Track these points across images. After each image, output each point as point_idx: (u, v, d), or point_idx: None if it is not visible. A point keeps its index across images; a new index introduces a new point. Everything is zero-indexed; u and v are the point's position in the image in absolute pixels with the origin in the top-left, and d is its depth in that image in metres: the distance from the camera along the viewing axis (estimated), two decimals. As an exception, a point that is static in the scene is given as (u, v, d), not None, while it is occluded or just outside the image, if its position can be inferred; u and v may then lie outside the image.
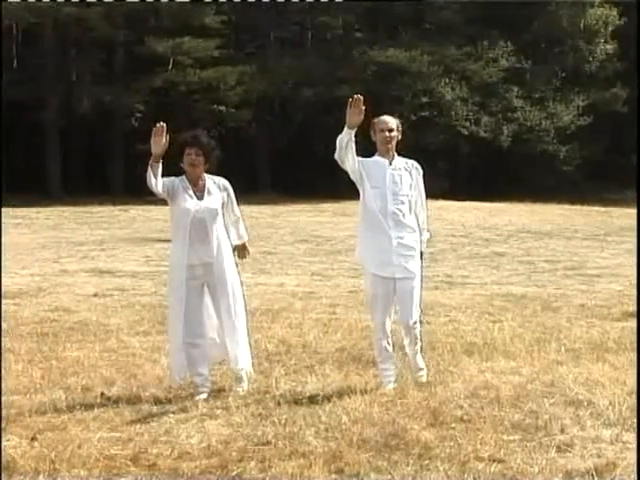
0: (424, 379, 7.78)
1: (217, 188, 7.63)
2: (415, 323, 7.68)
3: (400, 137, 7.78)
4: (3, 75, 44.17)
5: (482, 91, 44.47)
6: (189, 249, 7.48)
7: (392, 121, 7.73)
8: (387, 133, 7.65)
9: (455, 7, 44.62)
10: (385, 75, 43.34)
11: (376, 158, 7.75)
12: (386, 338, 7.72)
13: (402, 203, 7.61)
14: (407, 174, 7.69)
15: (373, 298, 7.77)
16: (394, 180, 7.63)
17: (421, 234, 7.79)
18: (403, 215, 7.61)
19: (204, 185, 7.58)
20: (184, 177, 7.58)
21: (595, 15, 45.73)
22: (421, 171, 7.82)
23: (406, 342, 7.80)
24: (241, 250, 8.01)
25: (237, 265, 7.81)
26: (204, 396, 7.40)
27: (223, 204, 7.65)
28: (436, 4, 44.73)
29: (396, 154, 7.75)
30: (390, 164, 7.67)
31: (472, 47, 44.46)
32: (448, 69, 43.66)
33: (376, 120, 7.74)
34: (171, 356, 7.81)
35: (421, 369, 7.88)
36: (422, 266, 7.84)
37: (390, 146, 7.69)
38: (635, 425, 6.33)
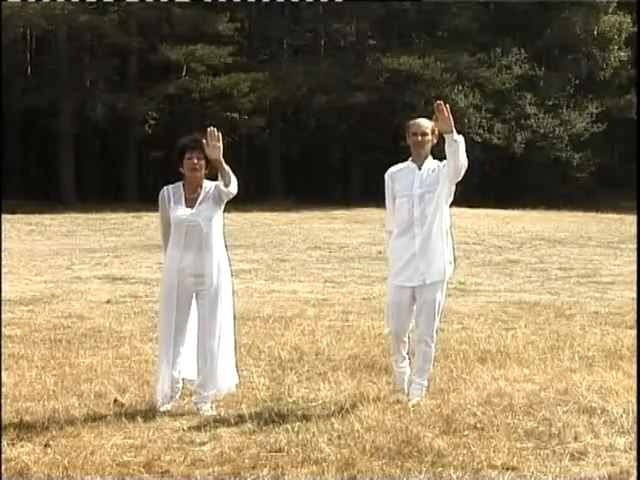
0: (413, 401, 7.28)
1: (212, 195, 7.25)
2: (431, 338, 7.40)
3: (436, 141, 7.49)
4: (18, 82, 44.44)
5: (495, 98, 44.44)
6: (183, 257, 7.22)
7: (426, 125, 7.43)
8: (419, 137, 7.39)
9: (468, 14, 44.67)
10: (398, 82, 43.31)
11: (406, 164, 7.55)
12: (403, 344, 7.53)
13: (430, 204, 7.36)
14: (436, 174, 7.38)
15: (392, 305, 7.59)
16: (421, 185, 7.39)
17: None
18: (429, 218, 7.36)
19: (201, 192, 7.25)
20: (180, 184, 7.32)
21: (609, 22, 45.70)
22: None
23: (416, 356, 7.51)
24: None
25: (232, 276, 7.48)
26: (168, 407, 7.19)
27: (220, 208, 7.28)
28: (449, 11, 44.75)
29: (430, 157, 7.47)
30: (419, 169, 7.44)
31: (485, 54, 44.46)
32: (461, 76, 43.64)
33: (410, 123, 7.52)
34: (159, 372, 7.40)
35: (416, 393, 7.41)
36: (453, 263, 7.63)
37: (422, 151, 7.43)
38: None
